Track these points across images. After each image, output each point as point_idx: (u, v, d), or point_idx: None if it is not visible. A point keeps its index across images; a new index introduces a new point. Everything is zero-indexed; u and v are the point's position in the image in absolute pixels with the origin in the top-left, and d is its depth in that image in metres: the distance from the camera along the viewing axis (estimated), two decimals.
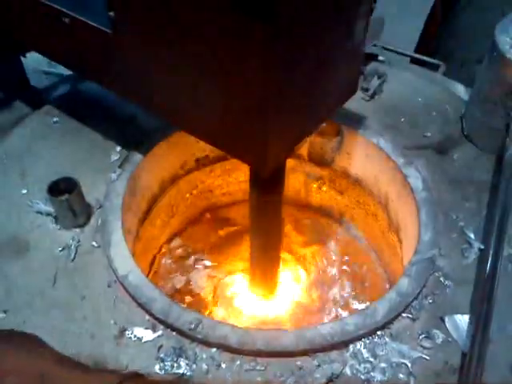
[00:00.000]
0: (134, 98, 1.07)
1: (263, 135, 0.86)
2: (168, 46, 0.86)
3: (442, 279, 1.10)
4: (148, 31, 0.87)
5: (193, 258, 1.64)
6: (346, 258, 1.65)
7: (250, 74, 0.78)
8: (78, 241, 1.14)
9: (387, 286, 1.55)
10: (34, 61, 1.60)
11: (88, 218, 1.17)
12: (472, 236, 1.17)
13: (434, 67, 1.82)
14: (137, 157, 1.31)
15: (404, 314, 1.04)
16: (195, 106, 0.92)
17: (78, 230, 1.16)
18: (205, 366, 0.95)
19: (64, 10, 0.98)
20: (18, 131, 1.40)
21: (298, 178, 1.65)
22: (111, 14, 0.89)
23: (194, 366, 0.95)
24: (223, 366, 0.96)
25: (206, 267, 1.63)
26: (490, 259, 1.07)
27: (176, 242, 1.67)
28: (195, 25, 0.80)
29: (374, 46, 1.81)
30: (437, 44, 2.03)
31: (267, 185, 1.08)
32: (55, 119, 1.43)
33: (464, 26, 1.87)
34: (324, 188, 1.65)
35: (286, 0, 0.70)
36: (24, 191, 1.24)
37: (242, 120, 0.87)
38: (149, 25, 0.86)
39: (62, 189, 1.13)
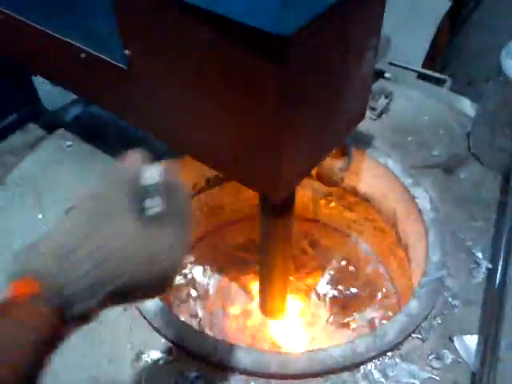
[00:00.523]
0: (146, 128, 1.10)
1: (276, 167, 0.88)
2: (181, 83, 0.89)
3: (450, 299, 1.12)
4: (162, 69, 0.90)
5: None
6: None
7: (262, 112, 0.80)
8: None
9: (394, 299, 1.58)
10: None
11: None
12: (480, 255, 1.19)
13: (440, 82, 1.84)
14: None
15: (413, 335, 1.06)
16: (207, 138, 0.95)
17: None
18: None
19: (81, 46, 1.02)
20: (33, 156, 1.44)
21: (306, 195, 1.67)
22: (127, 52, 0.92)
23: None
24: None
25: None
26: (497, 278, 1.09)
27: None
28: (208, 63, 0.82)
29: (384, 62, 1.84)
30: (444, 61, 2.05)
31: (277, 209, 1.11)
32: (68, 143, 1.47)
33: (473, 44, 1.89)
34: (332, 204, 1.68)
35: (299, 42, 0.73)
36: (40, 216, 1.27)
37: (254, 152, 0.89)
38: (163, 63, 0.89)
39: None
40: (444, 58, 2.04)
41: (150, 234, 0.59)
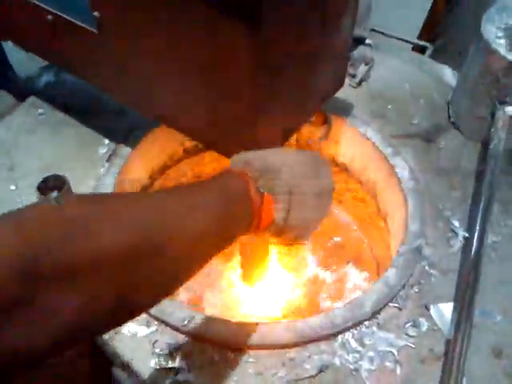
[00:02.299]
0: (120, 96, 1.07)
1: (251, 134, 0.87)
2: (153, 47, 0.86)
3: (427, 268, 1.13)
4: (133, 32, 0.87)
5: None
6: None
7: (237, 75, 0.78)
8: None
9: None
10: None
11: None
12: (457, 224, 1.20)
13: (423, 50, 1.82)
14: (125, 150, 1.31)
15: (391, 304, 1.07)
16: (182, 106, 0.92)
17: None
18: (199, 361, 0.98)
19: (47, 7, 0.97)
20: (4, 125, 1.39)
21: None
22: (95, 13, 0.88)
23: (189, 360, 0.98)
24: (216, 359, 0.98)
25: None
26: (473, 247, 1.10)
27: None
28: (181, 25, 0.79)
29: (363, 28, 1.80)
30: (441, 30, 2.02)
31: None
32: (40, 111, 1.42)
33: (468, 14, 1.85)
34: None
35: (272, 4, 0.70)
36: (12, 187, 1.24)
37: (229, 119, 0.87)
38: (133, 25, 0.85)
39: (51, 186, 1.12)
40: (441, 27, 2.01)
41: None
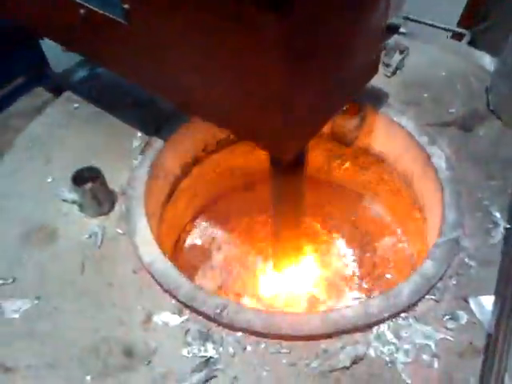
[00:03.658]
0: (151, 88, 1.07)
1: (283, 124, 0.85)
2: (184, 38, 0.85)
3: (466, 260, 1.09)
4: (163, 23, 0.86)
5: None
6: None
7: (267, 64, 0.77)
8: (104, 228, 1.16)
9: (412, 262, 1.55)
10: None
11: (112, 206, 1.19)
12: (497, 215, 1.15)
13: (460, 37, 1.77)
14: (158, 142, 1.31)
15: (428, 296, 1.04)
16: (213, 96, 0.91)
17: (102, 217, 1.18)
18: (231, 350, 0.97)
19: (79, 1, 0.98)
20: (42, 119, 1.42)
21: (319, 156, 1.64)
22: (125, 5, 0.88)
23: (221, 349, 0.97)
24: (249, 349, 0.98)
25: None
26: None
27: (200, 220, 1.70)
28: (210, 16, 0.78)
29: (397, 16, 1.76)
30: (483, 15, 1.96)
31: (288, 168, 1.08)
32: (76, 105, 1.45)
33: None
34: (346, 165, 1.64)
35: None
36: (49, 179, 1.26)
37: (260, 108, 0.86)
38: (163, 17, 0.85)
39: (86, 177, 1.15)
40: (482, 12, 1.94)
41: None
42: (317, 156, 1.63)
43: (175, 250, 1.60)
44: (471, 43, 1.92)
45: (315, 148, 1.58)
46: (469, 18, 2.01)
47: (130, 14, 0.91)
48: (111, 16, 0.96)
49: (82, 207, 1.19)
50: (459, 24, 1.99)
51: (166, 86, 1.02)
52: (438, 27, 1.81)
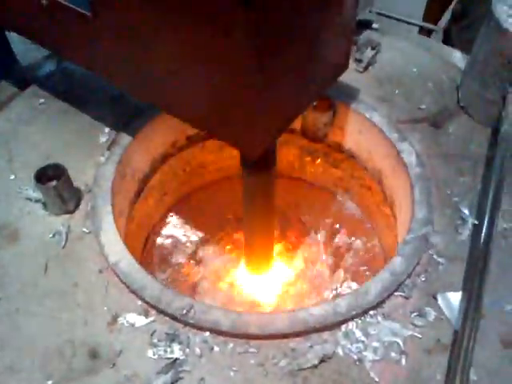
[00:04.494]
0: (117, 83, 1.04)
1: (250, 119, 0.84)
2: (149, 31, 0.83)
3: (435, 256, 1.09)
4: (129, 15, 0.84)
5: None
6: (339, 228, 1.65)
7: (234, 57, 0.75)
8: (69, 227, 1.13)
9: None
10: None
11: (77, 204, 1.16)
12: (466, 211, 1.16)
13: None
14: (125, 138, 1.29)
15: (396, 293, 1.04)
16: (181, 91, 0.89)
17: (67, 216, 1.15)
18: (198, 350, 0.96)
19: None
20: (4, 115, 1.37)
21: (291, 152, 1.63)
22: None
23: (188, 350, 0.96)
24: (216, 349, 0.96)
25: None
26: (483, 235, 1.06)
27: (170, 219, 1.67)
28: (178, 9, 0.76)
29: (369, 12, 1.76)
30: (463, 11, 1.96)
31: (258, 164, 1.06)
32: (41, 100, 1.40)
33: None
34: (318, 161, 1.63)
35: None
36: (12, 177, 1.22)
37: (228, 103, 0.84)
38: (129, 8, 0.83)
39: (50, 175, 1.11)
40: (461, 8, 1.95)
41: None
42: (288, 153, 1.62)
43: (145, 249, 1.57)
44: (447, 41, 1.94)
45: (287, 145, 1.57)
46: (432, 15, 2.02)
47: (94, 5, 0.88)
48: (75, 7, 0.93)
49: (45, 206, 1.15)
50: (424, 20, 2.00)
51: (133, 81, 1.00)
52: (412, 23, 1.82)
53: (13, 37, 1.53)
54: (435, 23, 2.04)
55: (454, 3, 2.03)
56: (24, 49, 1.61)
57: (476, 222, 1.13)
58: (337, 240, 1.62)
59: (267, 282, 1.47)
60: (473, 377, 0.91)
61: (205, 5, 0.71)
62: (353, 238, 1.61)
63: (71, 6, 0.95)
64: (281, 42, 0.79)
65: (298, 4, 0.78)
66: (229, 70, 0.78)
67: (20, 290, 1.04)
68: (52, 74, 1.51)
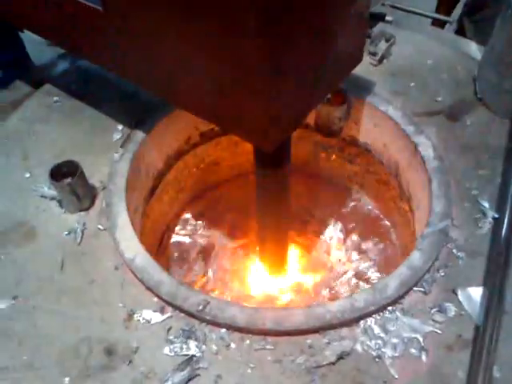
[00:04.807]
0: (129, 76, 1.04)
1: (264, 113, 0.82)
2: (161, 24, 0.82)
3: (454, 251, 1.07)
4: (139, 8, 0.83)
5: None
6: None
7: (247, 51, 0.74)
8: (84, 224, 1.13)
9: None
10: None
11: (92, 201, 1.16)
12: (486, 205, 1.14)
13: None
14: (139, 135, 1.28)
15: (415, 288, 1.02)
16: (195, 86, 0.89)
17: (83, 213, 1.15)
18: (214, 347, 0.95)
19: None
20: (19, 113, 1.38)
21: (305, 148, 1.61)
22: None
23: (204, 346, 0.95)
24: (233, 346, 0.95)
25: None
26: (504, 228, 1.04)
27: (185, 216, 1.67)
28: (189, 3, 0.75)
29: (382, 5, 1.73)
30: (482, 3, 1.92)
31: (272, 159, 1.05)
32: (55, 99, 1.41)
33: None
34: (333, 157, 1.62)
35: None
36: (27, 175, 1.23)
37: (242, 97, 0.83)
38: (140, 2, 0.82)
39: (65, 172, 1.11)
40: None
41: None
42: (303, 149, 1.60)
43: (160, 246, 1.57)
44: (460, 33, 1.90)
45: (302, 140, 1.56)
46: (445, 6, 1.99)
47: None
48: (86, 2, 0.93)
49: (61, 203, 1.15)
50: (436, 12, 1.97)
51: (147, 75, 0.99)
52: (425, 15, 1.78)
53: (26, 37, 1.54)
54: (448, 15, 2.00)
55: None
56: (38, 48, 1.62)
57: (496, 216, 1.10)
58: (353, 238, 1.60)
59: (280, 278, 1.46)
60: (496, 374, 0.89)
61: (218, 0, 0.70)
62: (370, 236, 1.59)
63: (83, 0, 0.94)
64: (294, 36, 0.77)
65: None
66: (243, 65, 0.77)
67: (37, 287, 1.04)
68: (66, 72, 1.51)
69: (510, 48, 1.17)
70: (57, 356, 0.95)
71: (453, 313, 0.99)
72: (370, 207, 1.66)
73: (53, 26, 1.12)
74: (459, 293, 1.01)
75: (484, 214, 1.12)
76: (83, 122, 1.34)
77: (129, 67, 1.02)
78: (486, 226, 1.11)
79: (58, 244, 1.11)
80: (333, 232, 1.62)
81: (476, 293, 1.00)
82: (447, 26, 1.70)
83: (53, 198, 1.17)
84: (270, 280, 1.44)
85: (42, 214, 1.16)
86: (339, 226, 1.63)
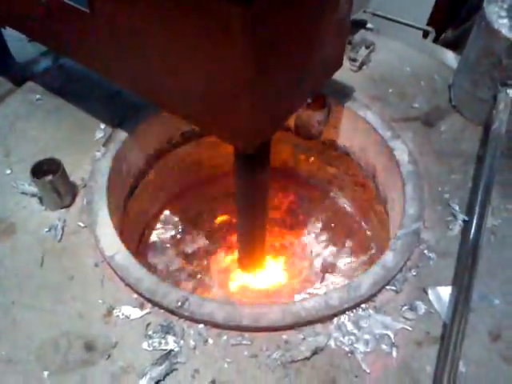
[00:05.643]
0: (112, 76, 1.06)
1: (245, 115, 0.85)
2: (146, 27, 0.84)
3: (426, 252, 1.11)
4: (126, 12, 0.85)
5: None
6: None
7: (231, 54, 0.77)
8: (64, 221, 1.14)
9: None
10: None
11: (73, 198, 1.17)
12: (457, 208, 1.18)
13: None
14: (121, 134, 1.30)
15: (388, 287, 1.05)
16: (177, 85, 0.91)
17: (63, 210, 1.16)
18: (192, 342, 0.97)
19: None
20: (1, 110, 1.38)
21: (285, 150, 1.64)
22: None
23: (182, 341, 0.97)
24: (210, 341, 0.98)
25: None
26: (472, 231, 1.08)
27: (165, 214, 1.68)
28: (174, 4, 0.77)
29: (364, 12, 1.78)
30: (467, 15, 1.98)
31: (252, 160, 1.08)
32: (38, 96, 1.41)
33: None
34: (312, 159, 1.65)
35: None
36: (8, 171, 1.23)
37: (223, 99, 0.86)
38: (125, 4, 0.84)
39: (46, 170, 1.12)
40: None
41: None
42: (282, 151, 1.63)
43: (140, 244, 1.58)
44: (447, 44, 1.95)
45: (281, 143, 1.59)
46: (438, 19, 2.04)
47: (91, 1, 0.90)
48: (72, 3, 0.94)
49: (41, 200, 1.16)
50: (430, 23, 2.02)
51: (130, 77, 1.01)
52: (405, 24, 1.83)
53: (8, 34, 1.53)
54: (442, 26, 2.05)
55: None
56: (20, 45, 1.62)
57: (466, 219, 1.15)
58: (330, 237, 1.64)
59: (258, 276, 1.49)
60: (461, 368, 0.93)
61: (202, 1, 0.73)
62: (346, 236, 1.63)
63: (69, 1, 0.96)
64: (276, 40, 0.80)
65: (295, 3, 0.80)
66: (225, 67, 0.80)
67: (16, 283, 1.05)
68: (48, 70, 1.52)
69: (484, 58, 1.22)
70: (36, 351, 0.96)
71: (423, 311, 1.03)
72: (347, 208, 1.69)
73: (37, 25, 1.13)
74: (429, 292, 1.05)
75: (455, 217, 1.17)
76: (65, 120, 1.35)
77: (113, 68, 1.04)
78: (457, 228, 1.15)
79: (38, 240, 1.12)
80: (312, 231, 1.65)
81: (445, 292, 1.05)
82: (430, 35, 1.75)
83: (33, 195, 1.18)
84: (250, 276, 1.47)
85: (22, 211, 1.16)
86: (319, 225, 1.66)
